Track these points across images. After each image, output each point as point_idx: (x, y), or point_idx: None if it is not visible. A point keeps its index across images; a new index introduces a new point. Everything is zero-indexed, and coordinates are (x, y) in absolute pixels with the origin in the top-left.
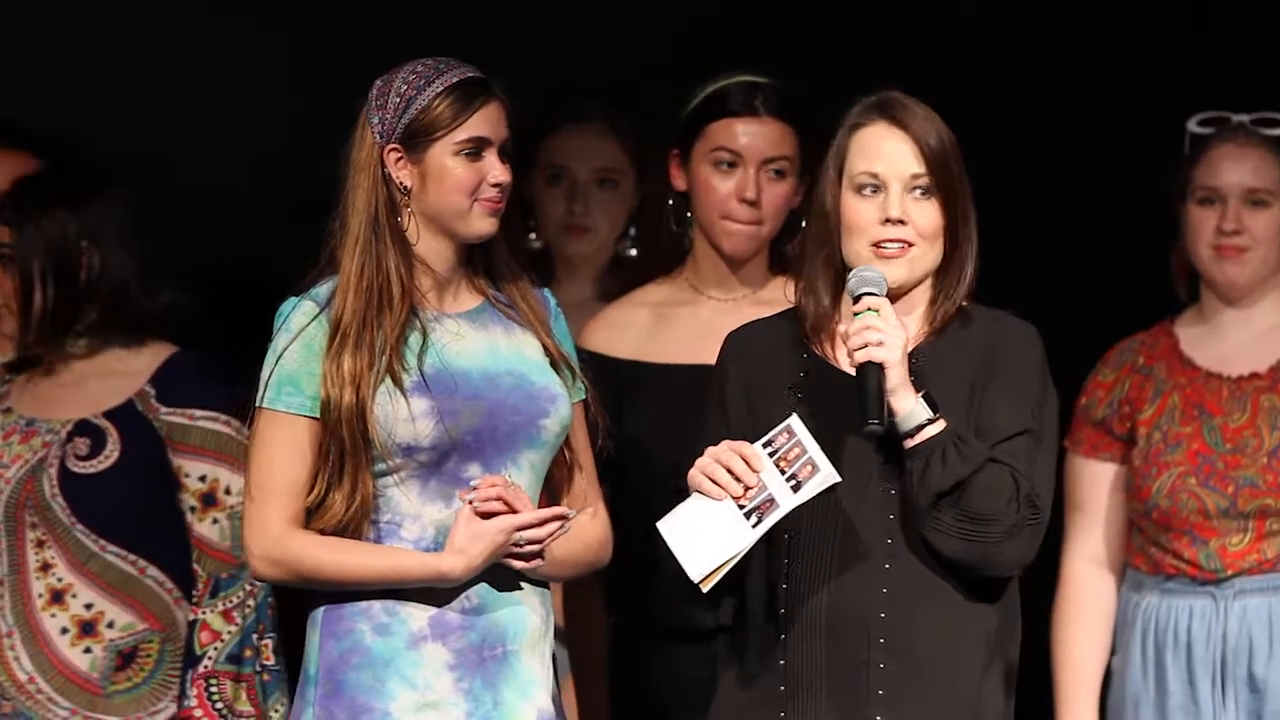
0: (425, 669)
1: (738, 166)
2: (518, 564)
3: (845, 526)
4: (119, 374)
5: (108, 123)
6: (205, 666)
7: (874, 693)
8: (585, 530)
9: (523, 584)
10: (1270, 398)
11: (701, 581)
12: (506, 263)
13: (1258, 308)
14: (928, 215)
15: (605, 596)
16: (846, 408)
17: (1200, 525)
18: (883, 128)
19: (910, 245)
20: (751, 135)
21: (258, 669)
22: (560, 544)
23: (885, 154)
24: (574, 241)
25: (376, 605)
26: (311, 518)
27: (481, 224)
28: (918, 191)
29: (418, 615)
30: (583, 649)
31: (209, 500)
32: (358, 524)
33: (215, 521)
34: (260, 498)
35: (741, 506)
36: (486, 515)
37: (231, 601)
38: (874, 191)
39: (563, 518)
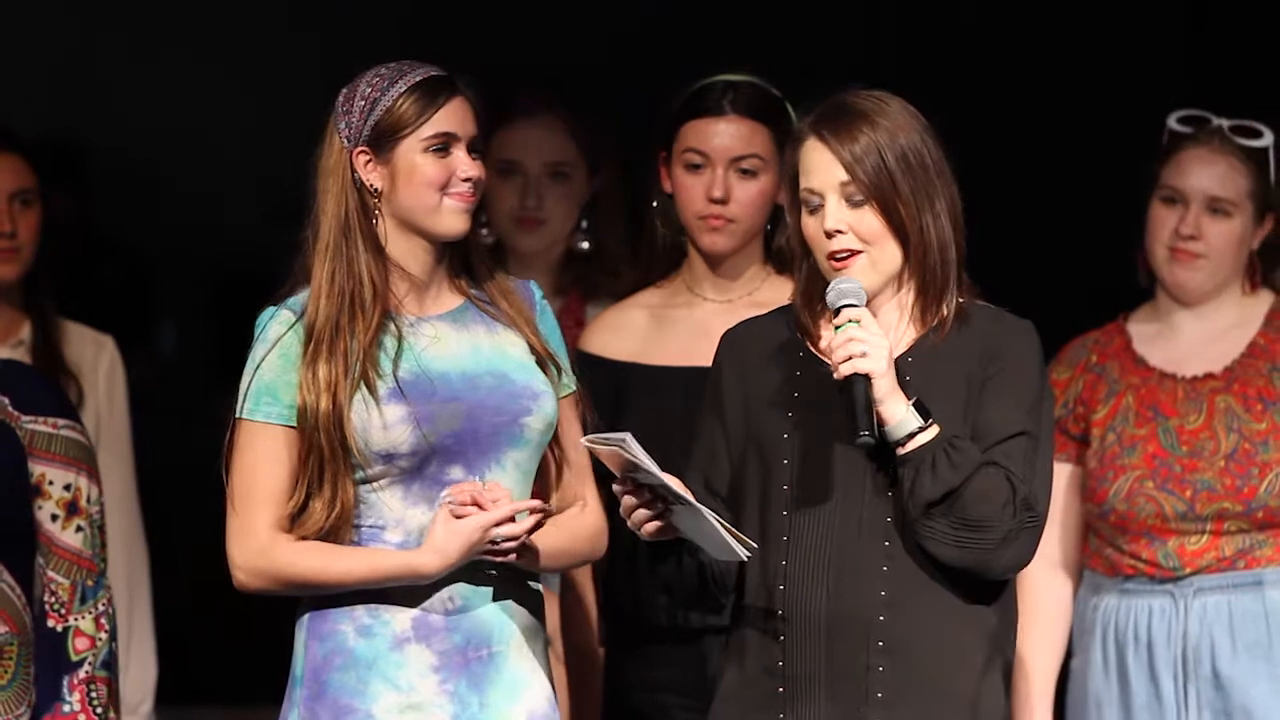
0: (409, 670)
1: (706, 166)
2: (498, 559)
3: (843, 529)
4: None
5: (109, 124)
6: (86, 672)
7: (873, 695)
8: (574, 522)
9: (509, 584)
10: (1226, 399)
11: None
12: (484, 261)
13: (1213, 308)
14: (866, 222)
15: (600, 597)
16: (840, 408)
17: (1158, 528)
18: (812, 142)
19: (858, 252)
20: (719, 135)
21: (115, 675)
22: (547, 537)
23: (816, 169)
24: (526, 235)
25: (360, 607)
26: (293, 525)
27: (454, 220)
28: (850, 200)
29: (400, 617)
30: (577, 650)
31: (72, 509)
32: (339, 530)
33: (79, 529)
34: (243, 509)
35: (670, 502)
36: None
37: (99, 608)
38: (817, 207)
39: (541, 511)
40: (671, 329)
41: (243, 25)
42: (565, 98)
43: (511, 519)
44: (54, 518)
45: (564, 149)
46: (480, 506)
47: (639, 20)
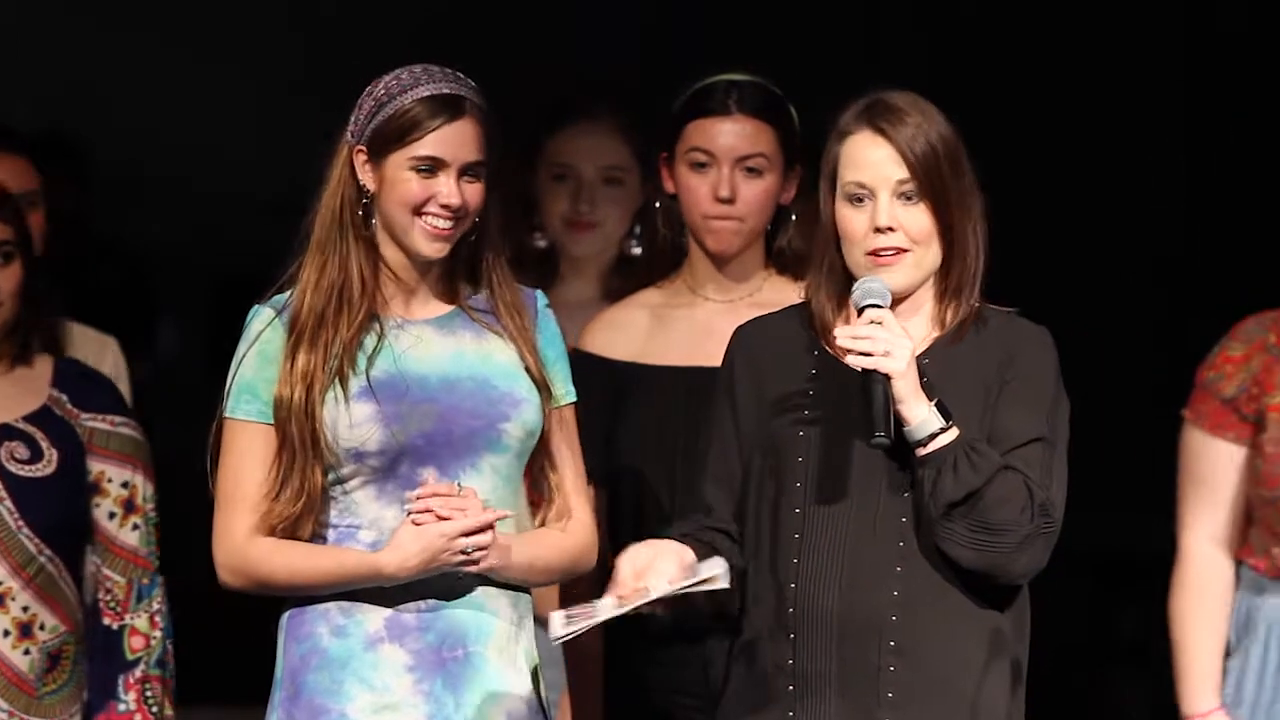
0: (383, 670)
1: (712, 166)
2: (469, 569)
3: (857, 528)
4: (20, 379)
5: (109, 124)
6: (141, 671)
7: (883, 695)
8: (558, 538)
9: (488, 586)
10: None
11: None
12: (492, 271)
13: None
14: (917, 220)
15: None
16: (857, 407)
17: None
18: (867, 135)
19: (905, 251)
20: (724, 134)
21: (171, 674)
22: (529, 550)
23: (870, 163)
24: (579, 239)
25: (334, 608)
26: (264, 515)
27: (424, 245)
28: (905, 197)
29: (374, 617)
30: (577, 653)
31: (129, 506)
32: (302, 520)
33: (136, 527)
34: (225, 507)
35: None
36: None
37: (153, 607)
38: (864, 201)
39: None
40: (673, 329)
41: (243, 25)
42: (620, 101)
43: (482, 529)
44: (111, 515)
45: (617, 153)
46: (437, 516)
47: (638, 26)
